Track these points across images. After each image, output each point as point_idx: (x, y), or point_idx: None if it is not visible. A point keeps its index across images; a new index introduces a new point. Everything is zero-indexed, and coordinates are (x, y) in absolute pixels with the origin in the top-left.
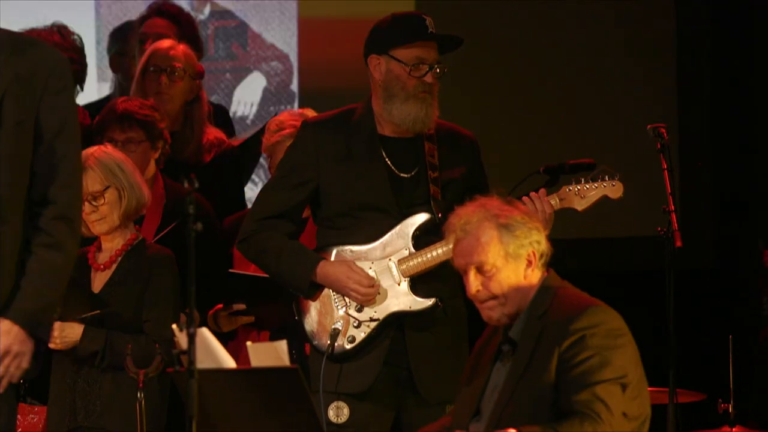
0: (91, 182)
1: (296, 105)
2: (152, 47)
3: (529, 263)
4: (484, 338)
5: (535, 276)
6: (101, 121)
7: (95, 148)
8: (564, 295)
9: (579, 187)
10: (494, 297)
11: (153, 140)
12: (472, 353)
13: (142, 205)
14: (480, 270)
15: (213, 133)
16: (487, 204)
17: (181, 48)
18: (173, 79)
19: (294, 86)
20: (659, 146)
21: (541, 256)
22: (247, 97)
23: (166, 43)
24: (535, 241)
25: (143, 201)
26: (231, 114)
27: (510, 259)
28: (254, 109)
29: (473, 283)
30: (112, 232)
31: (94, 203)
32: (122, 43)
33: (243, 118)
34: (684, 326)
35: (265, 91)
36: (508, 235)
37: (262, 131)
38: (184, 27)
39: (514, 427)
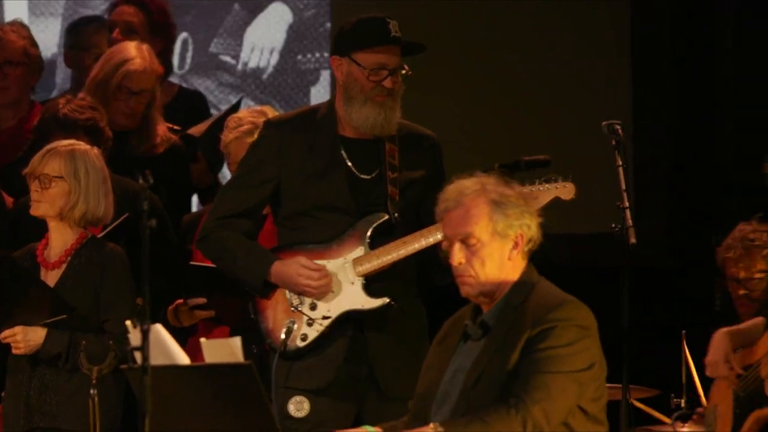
0: (51, 165)
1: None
2: (127, 68)
3: (516, 245)
4: (451, 321)
5: (518, 260)
6: (43, 126)
7: (92, 148)
8: (543, 288)
9: (531, 188)
10: (473, 275)
11: (97, 143)
12: (433, 344)
13: (95, 219)
14: (465, 242)
15: (162, 128)
16: (485, 181)
17: (154, 70)
18: (141, 100)
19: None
20: (614, 143)
21: (529, 240)
22: (264, 41)
23: (140, 64)
24: (526, 225)
25: (97, 215)
26: (241, 66)
27: (497, 237)
28: (274, 58)
29: (457, 255)
30: (46, 218)
31: (41, 184)
32: (75, 37)
33: (257, 72)
34: (637, 322)
35: (291, 31)
36: (499, 212)
37: (223, 119)
38: (154, 14)
39: (439, 423)
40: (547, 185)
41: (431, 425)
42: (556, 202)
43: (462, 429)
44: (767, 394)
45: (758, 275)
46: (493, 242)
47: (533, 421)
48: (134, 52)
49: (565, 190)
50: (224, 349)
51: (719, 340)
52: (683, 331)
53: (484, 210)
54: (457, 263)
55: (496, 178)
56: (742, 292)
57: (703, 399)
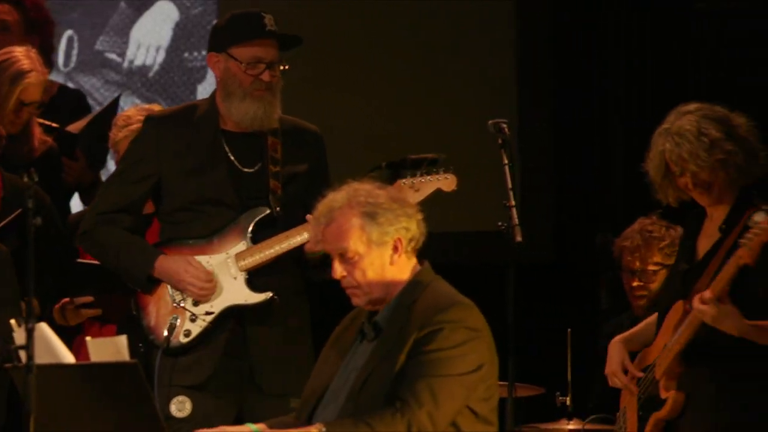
0: None
1: None
2: (24, 83)
3: (396, 249)
4: (345, 322)
5: (403, 262)
6: None
7: None
8: (435, 288)
9: (413, 181)
10: (357, 286)
11: None
12: (331, 337)
13: None
14: (343, 257)
15: (38, 129)
16: (354, 190)
17: (45, 78)
18: (31, 109)
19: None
20: (500, 142)
21: (410, 240)
22: (150, 39)
23: (35, 78)
24: (403, 228)
25: None
26: (127, 63)
27: (374, 246)
28: (161, 56)
29: (338, 269)
30: None
31: None
32: None
33: (143, 70)
34: (523, 320)
35: (177, 29)
36: (371, 222)
37: (102, 116)
38: (29, 11)
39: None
40: (428, 177)
41: (316, 425)
42: (443, 199)
43: (346, 430)
44: (662, 396)
45: (653, 267)
46: (371, 252)
47: (418, 425)
48: (27, 63)
49: (447, 182)
50: (110, 348)
51: (613, 349)
52: (569, 330)
53: (355, 223)
54: (339, 277)
55: (368, 185)
56: (636, 283)
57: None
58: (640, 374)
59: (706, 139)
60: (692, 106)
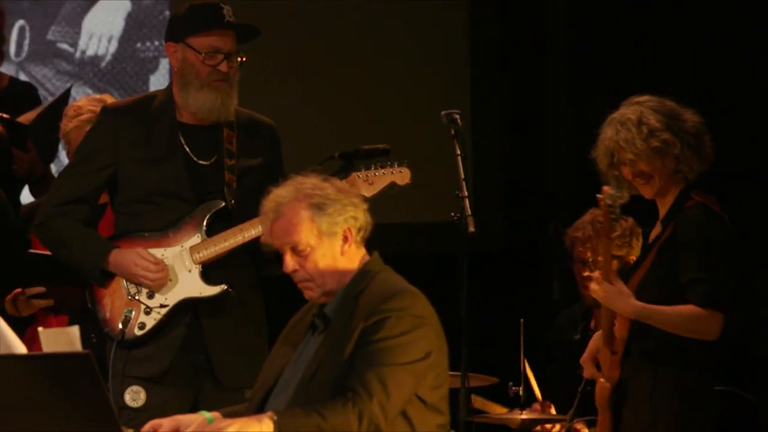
0: None
1: None
2: None
3: (346, 239)
4: (298, 316)
5: (353, 252)
6: None
7: None
8: (383, 278)
9: (367, 174)
10: (310, 278)
11: None
12: (284, 330)
13: None
14: (295, 250)
15: None
16: (300, 184)
17: None
18: None
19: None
20: (453, 132)
21: (359, 230)
22: (102, 29)
23: None
24: (351, 217)
25: None
26: (79, 54)
27: (324, 238)
28: (113, 46)
29: (290, 263)
30: None
31: None
32: None
33: (95, 60)
34: (476, 310)
35: (129, 19)
36: (320, 213)
37: (53, 107)
38: None
39: (275, 411)
40: (382, 170)
41: (269, 413)
42: (397, 190)
43: (298, 420)
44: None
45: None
46: (322, 243)
47: (369, 415)
48: None
49: (401, 176)
50: (62, 339)
51: (592, 340)
52: (521, 320)
53: (304, 215)
54: (291, 271)
55: (312, 178)
56: (586, 273)
57: (536, 388)
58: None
59: (645, 128)
60: (643, 98)
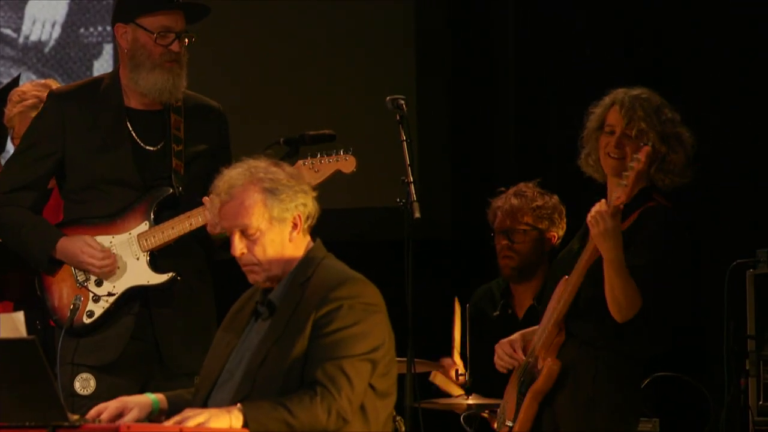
0: None
1: None
2: None
3: (295, 226)
4: (239, 304)
5: (300, 239)
6: None
7: None
8: (327, 265)
9: (313, 161)
10: (257, 263)
11: None
12: (225, 318)
13: None
14: (244, 233)
15: None
16: (253, 167)
17: None
18: None
19: None
20: (398, 118)
21: (308, 218)
22: (45, 14)
23: None
24: (301, 204)
25: None
26: (22, 39)
27: (275, 223)
28: (56, 31)
29: (238, 246)
30: None
31: None
32: None
33: (39, 45)
34: (422, 296)
35: (73, 4)
36: (272, 198)
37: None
38: None
39: (241, 403)
40: (328, 158)
41: (237, 406)
42: (342, 175)
43: (264, 413)
44: (538, 367)
45: (523, 227)
46: (272, 228)
47: (338, 409)
48: None
49: (346, 163)
50: (6, 324)
51: (515, 334)
52: (467, 305)
53: (257, 199)
54: (239, 254)
55: (265, 162)
56: (504, 242)
57: (461, 366)
58: (522, 358)
59: (668, 112)
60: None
